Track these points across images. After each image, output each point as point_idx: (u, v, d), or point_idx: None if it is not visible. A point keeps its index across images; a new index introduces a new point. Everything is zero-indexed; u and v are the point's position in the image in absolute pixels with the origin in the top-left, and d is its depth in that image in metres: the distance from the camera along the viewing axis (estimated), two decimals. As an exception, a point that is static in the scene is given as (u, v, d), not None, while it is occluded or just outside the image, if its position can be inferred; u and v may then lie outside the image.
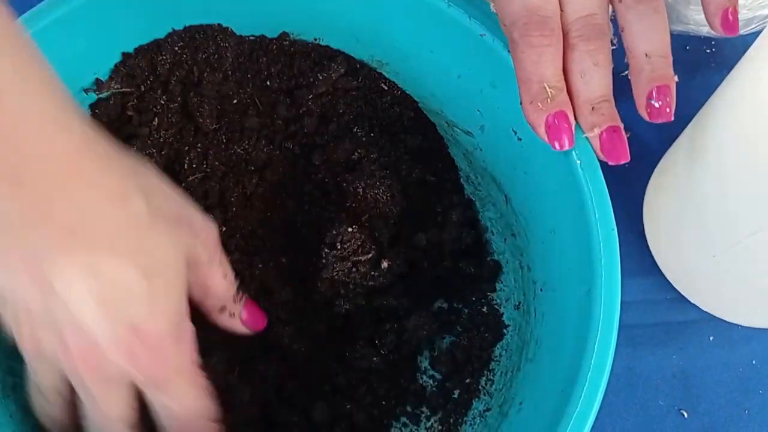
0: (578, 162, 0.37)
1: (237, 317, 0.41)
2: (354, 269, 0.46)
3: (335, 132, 0.49)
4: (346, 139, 0.48)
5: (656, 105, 0.35)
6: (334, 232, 0.45)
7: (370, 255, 0.46)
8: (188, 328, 0.36)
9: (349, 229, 0.45)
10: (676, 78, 0.35)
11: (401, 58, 0.47)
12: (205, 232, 0.37)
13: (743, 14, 0.51)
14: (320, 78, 0.48)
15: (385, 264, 0.46)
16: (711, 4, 0.37)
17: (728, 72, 0.42)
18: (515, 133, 0.43)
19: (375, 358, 0.45)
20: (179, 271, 0.35)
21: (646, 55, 0.35)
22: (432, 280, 0.48)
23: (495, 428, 0.42)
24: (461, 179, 0.49)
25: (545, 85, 0.35)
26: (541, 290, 0.43)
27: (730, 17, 0.36)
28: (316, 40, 0.48)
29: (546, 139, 0.36)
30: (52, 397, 0.38)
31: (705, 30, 0.51)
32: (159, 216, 0.34)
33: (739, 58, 0.41)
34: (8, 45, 0.28)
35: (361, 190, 0.47)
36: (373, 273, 0.46)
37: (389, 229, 0.47)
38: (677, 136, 0.48)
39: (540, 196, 0.42)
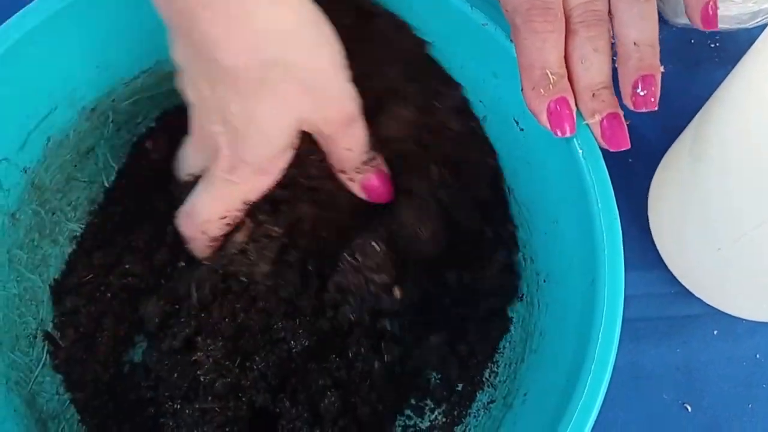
0: (580, 151, 0.37)
1: (356, 183, 0.44)
2: (365, 285, 0.45)
3: (408, 167, 0.47)
4: (414, 174, 0.47)
5: (641, 94, 0.35)
6: (359, 240, 0.45)
7: (385, 279, 0.45)
8: (273, 176, 0.41)
9: (373, 243, 0.44)
10: (662, 68, 0.36)
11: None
12: (333, 108, 0.39)
13: (748, 7, 0.51)
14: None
15: (396, 292, 0.45)
16: None
17: (732, 66, 0.42)
18: (517, 123, 0.42)
19: (377, 363, 0.45)
20: (282, 132, 0.39)
21: (635, 43, 0.35)
22: (446, 312, 0.47)
23: (499, 420, 0.42)
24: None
25: (547, 71, 0.35)
26: (544, 281, 0.43)
27: (710, 11, 0.37)
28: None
29: (548, 126, 0.36)
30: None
31: (709, 24, 0.51)
32: (282, 74, 0.36)
33: (744, 52, 0.41)
34: None
35: (403, 218, 0.46)
36: (382, 295, 0.45)
37: (416, 263, 0.46)
38: (681, 130, 0.48)
39: (542, 186, 0.42)
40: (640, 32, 0.35)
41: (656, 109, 0.35)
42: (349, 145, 0.42)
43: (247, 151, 0.39)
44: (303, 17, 0.37)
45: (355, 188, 0.44)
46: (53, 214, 0.47)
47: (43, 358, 0.45)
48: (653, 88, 0.35)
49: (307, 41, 0.37)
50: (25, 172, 0.44)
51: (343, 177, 0.44)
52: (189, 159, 0.43)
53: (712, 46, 0.56)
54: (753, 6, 0.50)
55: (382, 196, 0.45)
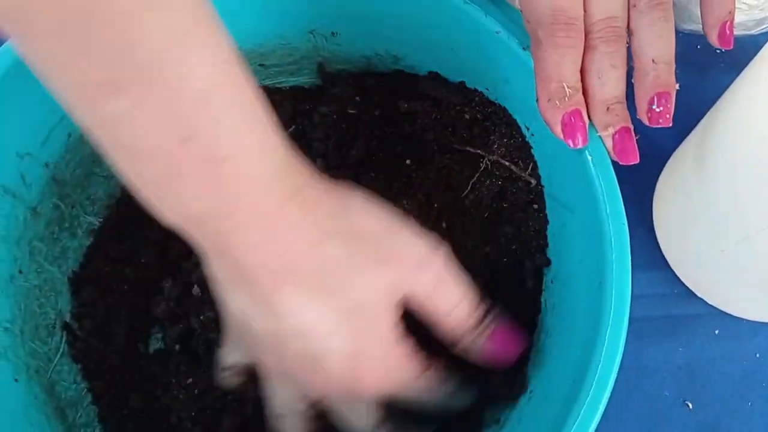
0: (590, 158, 0.38)
1: (475, 351, 0.39)
2: None
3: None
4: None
5: (657, 110, 0.36)
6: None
7: None
8: (401, 361, 0.37)
9: None
10: (677, 86, 0.37)
11: (418, 53, 0.48)
12: (420, 267, 0.36)
13: (754, 15, 0.52)
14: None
15: None
16: (711, 16, 0.38)
17: (737, 72, 0.43)
18: (528, 128, 0.43)
19: None
20: (381, 309, 0.35)
21: (653, 60, 0.36)
22: None
23: (505, 417, 0.43)
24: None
25: (564, 84, 0.36)
26: (551, 282, 0.44)
27: (727, 31, 0.38)
28: (333, 34, 0.48)
29: (561, 136, 0.37)
30: (291, 417, 0.41)
31: (716, 30, 0.52)
32: (358, 256, 0.34)
33: (749, 58, 0.42)
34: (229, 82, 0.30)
35: None
36: None
37: None
38: (687, 134, 0.49)
39: (551, 190, 0.43)
40: (659, 50, 0.36)
41: (671, 125, 0.37)
42: (450, 301, 0.37)
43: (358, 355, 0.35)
44: (337, 196, 0.36)
45: (477, 358, 0.39)
46: (72, 207, 0.48)
47: (62, 348, 0.46)
48: (668, 105, 0.36)
49: (355, 213, 0.35)
50: (47, 166, 0.45)
51: (458, 351, 0.39)
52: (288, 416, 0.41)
53: (718, 52, 0.57)
54: (758, 14, 0.51)
55: (511, 353, 0.40)
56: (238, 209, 0.31)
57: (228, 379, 0.42)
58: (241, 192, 0.31)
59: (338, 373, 0.35)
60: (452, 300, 0.37)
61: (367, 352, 0.35)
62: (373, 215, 0.36)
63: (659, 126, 0.37)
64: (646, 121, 0.37)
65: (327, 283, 0.34)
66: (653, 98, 0.36)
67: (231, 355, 0.41)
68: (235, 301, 0.35)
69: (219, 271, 0.35)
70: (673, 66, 0.37)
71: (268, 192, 0.32)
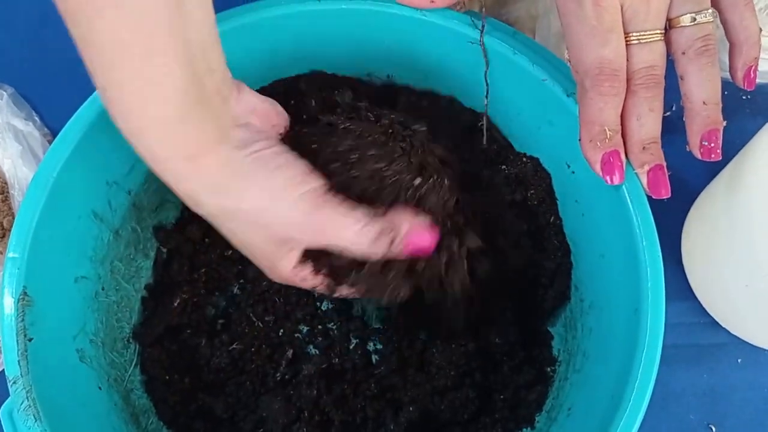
0: (627, 195, 0.41)
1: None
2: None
3: None
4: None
5: (709, 145, 0.40)
6: None
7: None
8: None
9: None
10: (724, 123, 0.40)
11: (470, 97, 0.51)
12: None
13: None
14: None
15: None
16: (739, 60, 0.42)
17: (762, 117, 0.46)
18: (568, 166, 0.47)
19: None
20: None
21: (704, 102, 0.40)
22: None
23: (546, 430, 0.46)
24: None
25: (605, 128, 0.39)
26: (589, 308, 0.47)
27: (752, 74, 0.42)
28: (389, 77, 0.52)
29: (600, 173, 0.40)
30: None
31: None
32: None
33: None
34: None
35: None
36: None
37: None
38: (714, 174, 0.52)
39: (590, 223, 0.47)
40: (708, 93, 0.40)
41: (720, 158, 0.40)
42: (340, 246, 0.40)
43: None
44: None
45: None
46: (147, 231, 0.52)
47: (135, 360, 0.50)
48: (718, 141, 0.40)
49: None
50: (129, 194, 0.49)
51: None
52: None
53: (744, 98, 0.60)
54: (783, 64, 0.54)
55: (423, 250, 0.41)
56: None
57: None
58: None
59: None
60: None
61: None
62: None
63: (710, 160, 0.40)
64: (698, 156, 0.40)
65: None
66: (704, 135, 0.40)
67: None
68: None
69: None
70: (720, 105, 0.40)
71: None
